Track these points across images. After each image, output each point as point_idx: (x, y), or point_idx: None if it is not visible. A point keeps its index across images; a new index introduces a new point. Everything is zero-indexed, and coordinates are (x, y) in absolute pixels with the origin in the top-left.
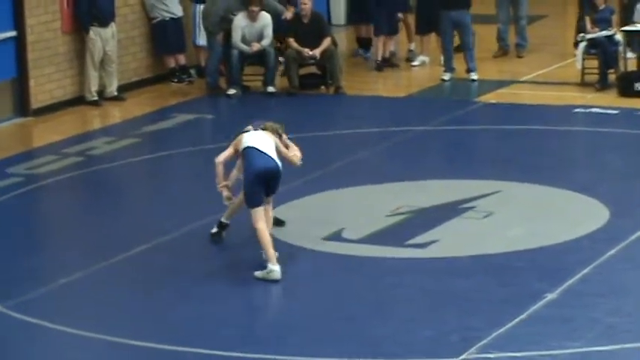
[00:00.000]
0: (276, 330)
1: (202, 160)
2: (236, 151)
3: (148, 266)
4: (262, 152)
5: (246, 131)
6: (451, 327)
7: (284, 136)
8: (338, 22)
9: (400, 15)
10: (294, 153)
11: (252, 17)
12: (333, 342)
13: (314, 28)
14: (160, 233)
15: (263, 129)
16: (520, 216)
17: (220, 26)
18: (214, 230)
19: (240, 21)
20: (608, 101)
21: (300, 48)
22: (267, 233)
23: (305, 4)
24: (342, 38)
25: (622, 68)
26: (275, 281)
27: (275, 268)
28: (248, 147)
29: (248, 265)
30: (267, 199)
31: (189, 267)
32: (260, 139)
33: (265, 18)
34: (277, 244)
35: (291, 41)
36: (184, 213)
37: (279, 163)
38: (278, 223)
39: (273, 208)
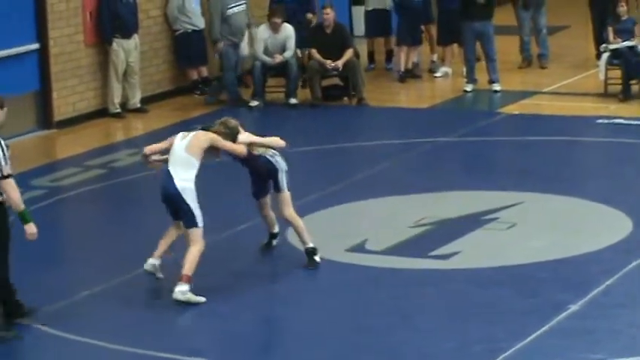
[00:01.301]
0: (299, 341)
1: (224, 173)
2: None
3: (171, 279)
4: (167, 172)
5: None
6: (474, 338)
7: (244, 134)
8: (359, 34)
9: (423, 26)
10: (260, 141)
11: (275, 29)
12: (355, 353)
13: (336, 39)
14: (183, 246)
15: (204, 128)
16: (543, 227)
17: (228, 31)
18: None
19: (263, 33)
20: (631, 112)
21: (322, 59)
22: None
23: (327, 14)
24: (364, 49)
25: None
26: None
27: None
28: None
29: (270, 277)
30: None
31: (212, 279)
32: (177, 151)
33: (288, 30)
34: (301, 256)
35: (314, 52)
36: (205, 225)
37: (178, 186)
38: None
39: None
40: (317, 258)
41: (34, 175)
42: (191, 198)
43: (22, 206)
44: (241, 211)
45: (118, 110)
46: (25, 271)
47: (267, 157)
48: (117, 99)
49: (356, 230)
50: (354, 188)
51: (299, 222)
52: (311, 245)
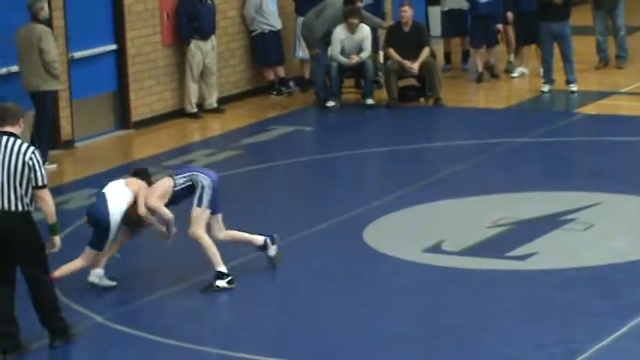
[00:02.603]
0: (376, 342)
1: (301, 173)
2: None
3: (245, 278)
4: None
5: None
6: (552, 340)
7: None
8: (435, 34)
9: (499, 26)
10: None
11: (352, 30)
12: (433, 354)
13: (414, 37)
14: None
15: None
16: (621, 228)
17: (324, 39)
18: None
19: (339, 33)
20: None
21: (401, 59)
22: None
23: (405, 11)
24: (440, 50)
25: None
26: None
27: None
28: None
29: (347, 278)
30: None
31: (285, 279)
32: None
33: (364, 30)
34: (378, 256)
35: (392, 52)
36: (282, 225)
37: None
38: None
39: None
40: (219, 283)
41: (113, 175)
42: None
43: (54, 218)
44: (316, 213)
45: (195, 110)
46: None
47: (184, 180)
48: (193, 99)
49: (433, 231)
50: (431, 189)
51: (207, 242)
52: (218, 269)
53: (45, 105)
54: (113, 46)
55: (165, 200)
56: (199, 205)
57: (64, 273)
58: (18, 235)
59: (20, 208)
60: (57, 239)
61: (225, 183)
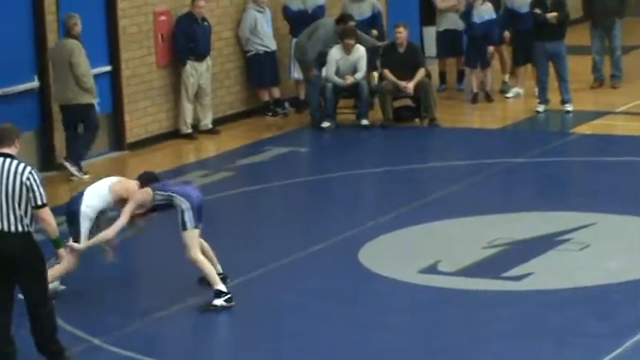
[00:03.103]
0: None
1: (296, 194)
2: None
3: (242, 300)
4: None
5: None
6: None
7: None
8: (431, 54)
9: (491, 48)
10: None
11: (348, 50)
12: None
13: (409, 58)
14: (254, 267)
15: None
16: (616, 248)
17: (318, 60)
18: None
19: (335, 54)
20: None
21: (396, 80)
22: None
23: (400, 32)
24: (435, 70)
25: None
26: None
27: None
28: None
29: (342, 298)
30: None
31: (281, 300)
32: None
33: (360, 51)
34: (374, 277)
35: (387, 72)
36: (278, 247)
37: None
38: None
39: None
40: (217, 302)
41: None
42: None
43: (57, 233)
44: (311, 234)
45: (190, 131)
46: (97, 293)
47: (162, 199)
48: (188, 120)
49: (428, 251)
50: (426, 209)
51: (204, 263)
52: (217, 287)
53: (88, 117)
54: (108, 68)
55: (143, 210)
56: (185, 229)
57: (54, 276)
58: (18, 255)
59: (20, 229)
60: (62, 252)
61: (219, 204)
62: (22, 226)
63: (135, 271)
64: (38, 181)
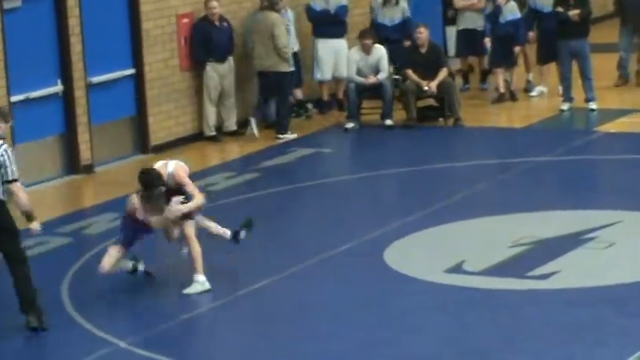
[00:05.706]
0: None
1: (321, 195)
2: None
3: (271, 302)
4: None
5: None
6: (576, 359)
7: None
8: (452, 54)
9: (517, 48)
10: None
11: (366, 50)
12: None
13: (431, 59)
14: (280, 268)
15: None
16: None
17: None
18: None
19: (354, 55)
20: None
21: (418, 80)
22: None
23: (421, 32)
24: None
25: None
26: None
27: None
28: None
29: (368, 298)
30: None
31: (308, 301)
32: None
33: (380, 51)
34: (400, 277)
35: (410, 73)
36: (303, 248)
37: None
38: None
39: None
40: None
41: None
42: None
43: (29, 207)
44: (337, 235)
45: (214, 133)
46: (124, 295)
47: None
48: (212, 122)
49: (454, 251)
50: (451, 209)
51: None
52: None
53: (283, 85)
54: (131, 71)
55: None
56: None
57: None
58: None
59: None
60: (35, 224)
61: (245, 206)
62: None
63: (159, 274)
64: (12, 158)
